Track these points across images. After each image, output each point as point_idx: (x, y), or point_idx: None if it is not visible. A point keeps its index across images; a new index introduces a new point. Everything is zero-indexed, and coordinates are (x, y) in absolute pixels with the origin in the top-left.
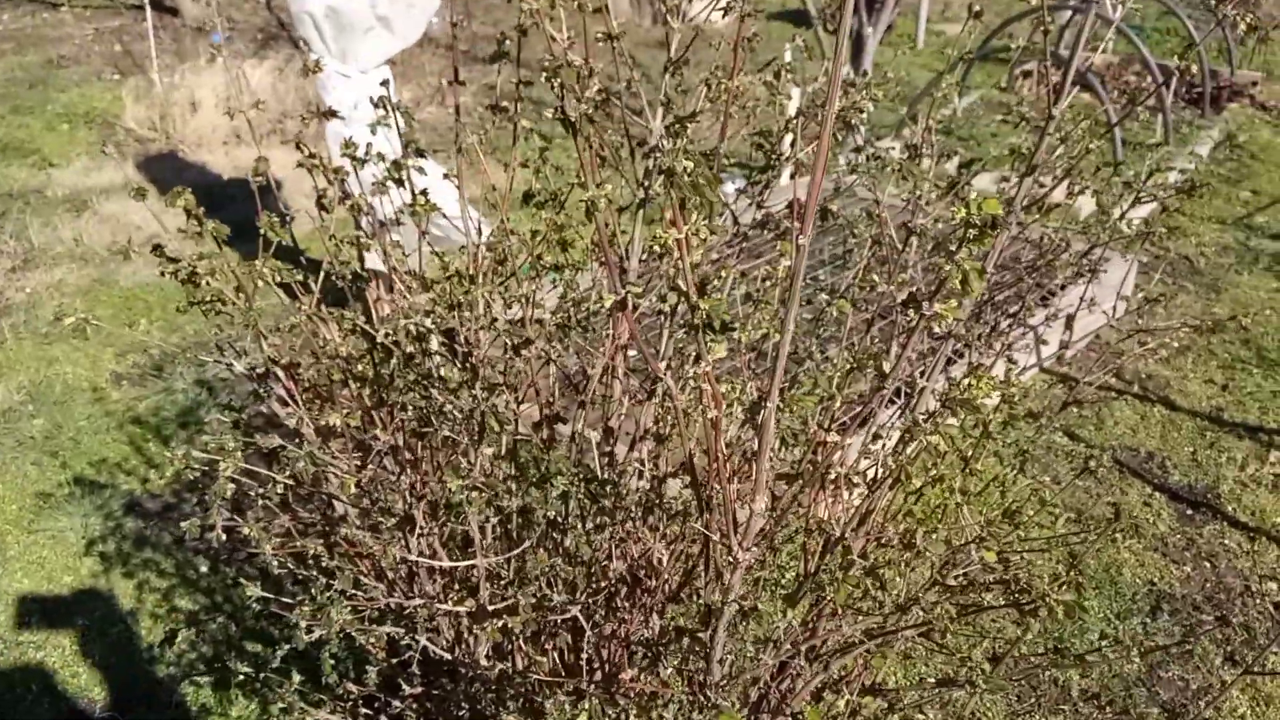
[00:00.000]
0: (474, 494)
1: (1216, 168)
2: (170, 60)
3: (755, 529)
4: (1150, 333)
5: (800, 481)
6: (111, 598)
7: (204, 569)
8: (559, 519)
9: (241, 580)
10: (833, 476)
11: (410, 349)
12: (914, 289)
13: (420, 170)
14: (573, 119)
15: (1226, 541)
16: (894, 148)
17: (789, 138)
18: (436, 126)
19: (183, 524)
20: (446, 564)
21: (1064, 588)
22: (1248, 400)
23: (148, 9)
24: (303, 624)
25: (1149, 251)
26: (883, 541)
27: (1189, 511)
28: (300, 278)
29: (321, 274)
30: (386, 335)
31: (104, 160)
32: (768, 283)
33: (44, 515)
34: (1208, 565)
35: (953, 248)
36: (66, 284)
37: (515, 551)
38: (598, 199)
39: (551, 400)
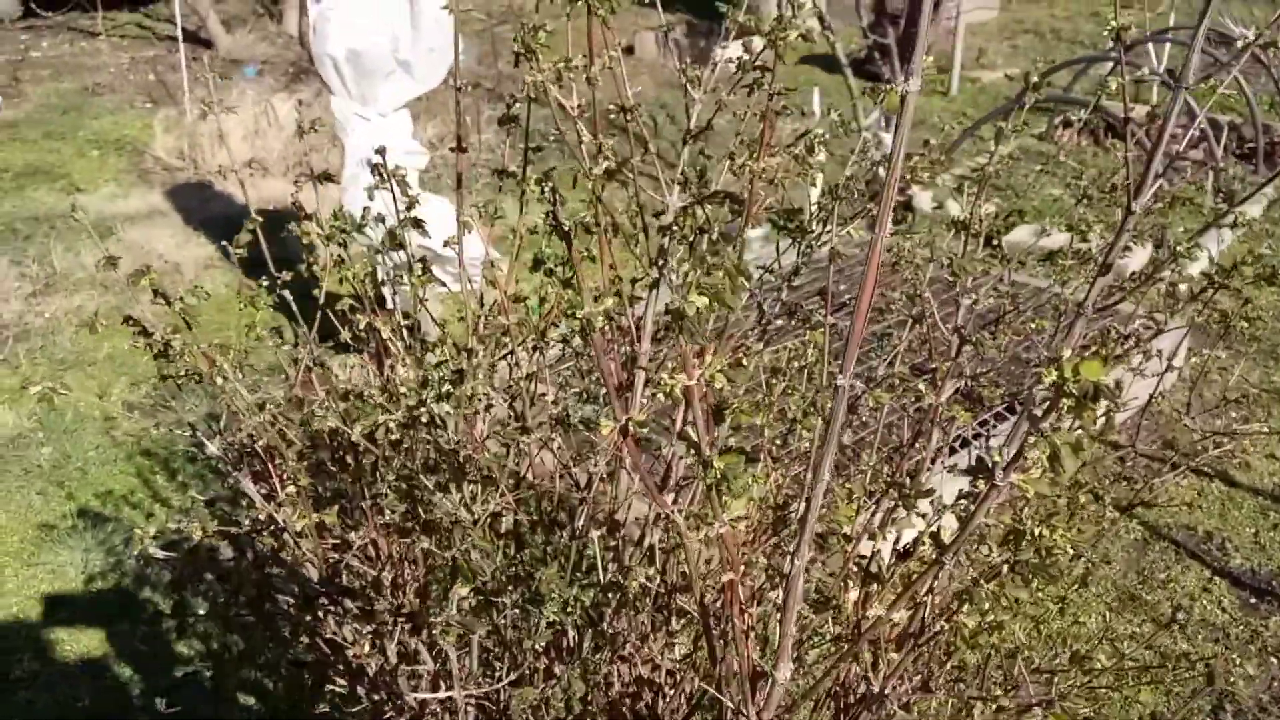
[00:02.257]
0: (452, 628)
1: (1273, 227)
2: (202, 92)
3: (777, 700)
4: (1237, 435)
5: (836, 649)
6: (106, 638)
7: (201, 611)
8: (550, 644)
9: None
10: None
11: (398, 435)
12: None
13: (420, 228)
14: (566, 229)
15: None
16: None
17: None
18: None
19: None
20: (426, 695)
21: None
22: None
23: (180, 41)
24: None
25: (1199, 313)
26: (930, 685)
27: (1253, 600)
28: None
29: (317, 317)
30: (367, 429)
31: (131, 187)
32: (795, 364)
33: (45, 548)
34: (1275, 662)
35: (1037, 412)
36: (85, 310)
37: (498, 685)
38: (594, 316)
39: (551, 492)
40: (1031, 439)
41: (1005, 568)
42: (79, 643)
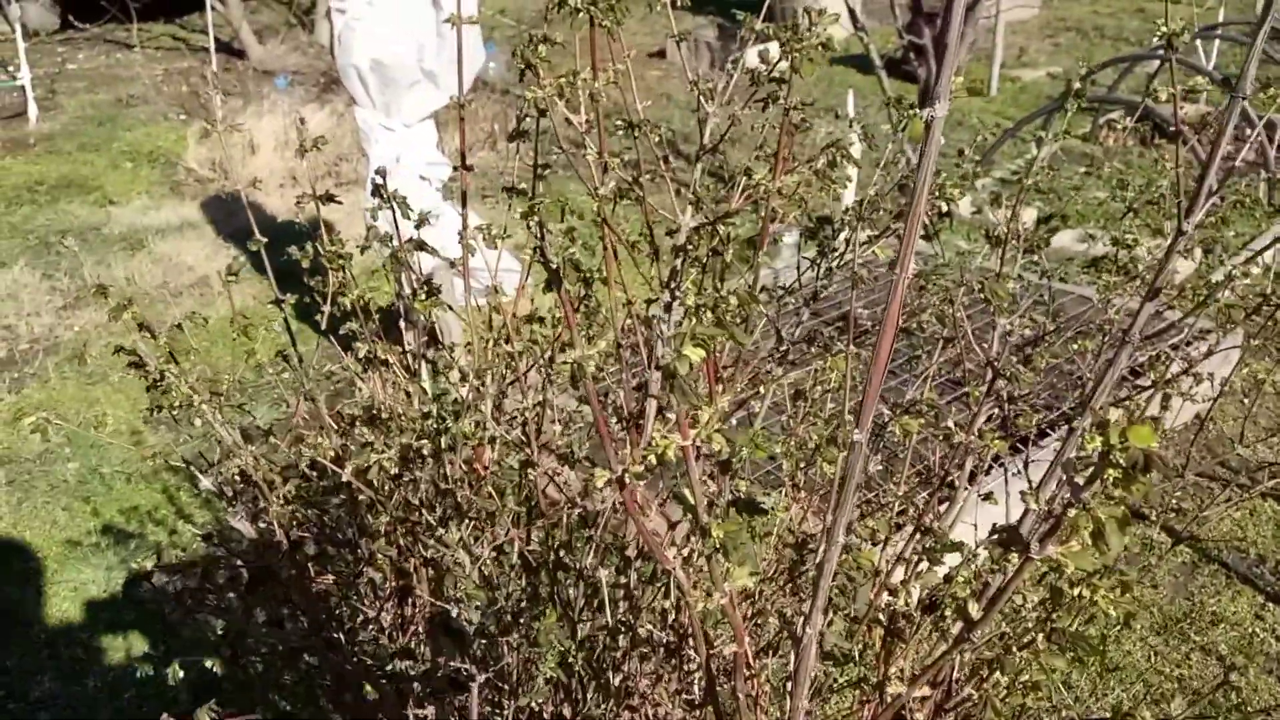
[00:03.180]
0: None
1: None
2: (235, 104)
3: None
4: None
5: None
6: (126, 657)
7: (220, 632)
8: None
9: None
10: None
11: (397, 470)
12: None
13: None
14: (553, 265)
15: None
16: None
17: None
18: (487, 171)
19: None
20: None
21: None
22: None
23: (212, 53)
24: None
25: (1252, 323)
26: None
27: None
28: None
29: (320, 338)
30: (360, 466)
31: (163, 199)
32: (819, 388)
33: (68, 565)
34: None
35: (1078, 479)
36: (114, 325)
37: None
38: (585, 361)
39: (559, 524)
40: (1072, 510)
41: (1041, 636)
42: (99, 662)
